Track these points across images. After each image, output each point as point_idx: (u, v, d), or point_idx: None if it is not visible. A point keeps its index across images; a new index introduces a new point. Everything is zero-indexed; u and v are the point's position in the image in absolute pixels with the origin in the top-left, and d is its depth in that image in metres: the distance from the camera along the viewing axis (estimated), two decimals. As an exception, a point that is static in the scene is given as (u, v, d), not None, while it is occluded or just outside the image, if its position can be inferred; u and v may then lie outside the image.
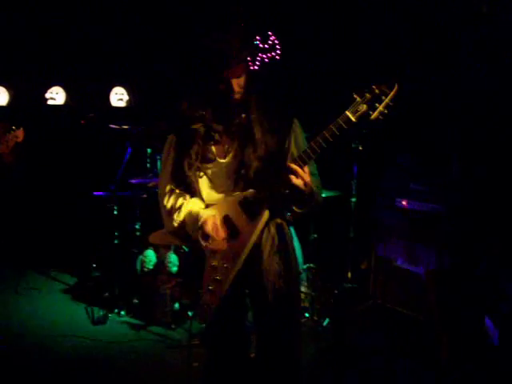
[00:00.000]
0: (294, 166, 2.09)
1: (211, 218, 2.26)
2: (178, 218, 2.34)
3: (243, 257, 2.22)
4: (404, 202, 4.43)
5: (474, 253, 3.73)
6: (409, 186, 4.41)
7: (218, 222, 2.26)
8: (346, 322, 4.36)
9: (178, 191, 2.40)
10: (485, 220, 3.82)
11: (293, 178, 2.09)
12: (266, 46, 5.80)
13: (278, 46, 5.83)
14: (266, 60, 5.75)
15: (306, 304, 4.40)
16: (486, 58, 4.40)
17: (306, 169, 2.12)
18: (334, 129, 2.08)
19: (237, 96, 2.27)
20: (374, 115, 2.09)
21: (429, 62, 4.80)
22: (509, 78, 4.17)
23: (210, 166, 2.35)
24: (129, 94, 6.42)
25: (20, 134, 3.64)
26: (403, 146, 4.87)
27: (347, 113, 2.09)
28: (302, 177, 2.10)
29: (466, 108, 4.54)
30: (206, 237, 2.25)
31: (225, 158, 2.33)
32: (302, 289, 4.46)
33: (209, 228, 2.24)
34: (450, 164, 4.25)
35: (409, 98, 4.87)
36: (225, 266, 2.25)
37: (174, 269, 4.33)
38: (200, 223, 2.26)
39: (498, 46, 4.29)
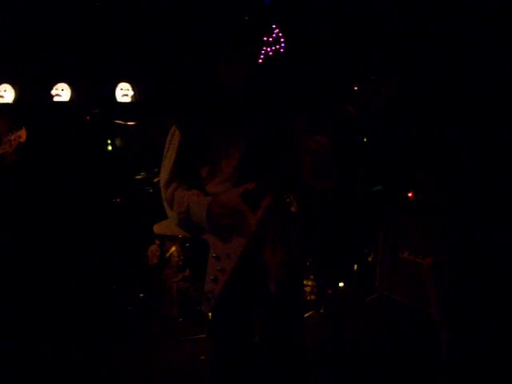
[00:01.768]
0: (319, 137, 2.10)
1: (214, 199, 2.27)
2: (182, 208, 2.33)
3: (245, 247, 2.23)
4: (410, 194, 4.42)
5: (481, 244, 3.71)
6: (414, 177, 4.40)
7: (222, 200, 2.26)
8: (352, 314, 4.36)
9: (177, 183, 2.40)
10: (493, 211, 3.81)
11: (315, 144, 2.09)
12: (270, 39, 5.79)
13: (282, 40, 5.82)
14: (270, 53, 5.75)
15: (313, 297, 4.40)
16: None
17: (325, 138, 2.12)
18: (333, 122, 2.08)
19: (238, 83, 2.27)
20: (374, 108, 2.08)
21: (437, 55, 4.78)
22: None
23: (213, 157, 2.34)
24: (134, 90, 6.43)
25: (23, 133, 3.62)
26: (409, 137, 4.86)
27: (347, 106, 2.07)
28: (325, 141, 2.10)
29: (474, 99, 4.51)
30: (218, 216, 2.24)
31: (228, 150, 2.33)
32: (309, 282, 4.46)
33: (216, 208, 2.23)
34: (458, 154, 4.23)
35: (416, 89, 4.87)
36: (227, 255, 2.25)
37: (181, 263, 4.34)
38: (207, 206, 2.25)
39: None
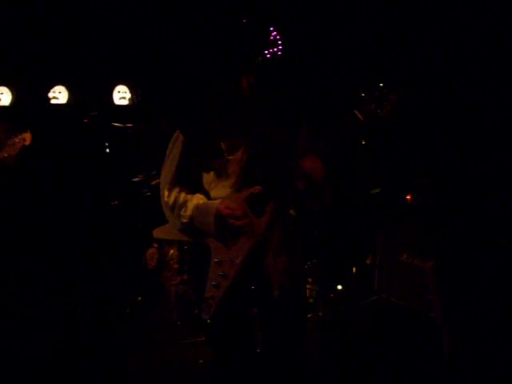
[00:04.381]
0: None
1: (222, 202, 2.25)
2: (185, 213, 2.30)
3: (248, 252, 2.21)
4: (408, 197, 4.42)
5: (479, 245, 3.72)
6: (413, 181, 4.40)
7: (229, 203, 2.25)
8: (351, 317, 4.35)
9: (180, 188, 2.38)
10: (489, 212, 3.81)
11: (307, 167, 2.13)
12: (267, 41, 5.78)
13: (279, 42, 5.81)
14: (268, 56, 5.74)
15: (311, 300, 4.39)
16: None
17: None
18: (344, 127, 2.08)
19: (246, 92, 2.26)
20: (383, 114, 2.08)
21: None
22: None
23: (217, 161, 2.31)
24: (131, 92, 6.42)
25: (27, 137, 3.61)
26: (406, 141, 4.86)
27: (356, 112, 2.08)
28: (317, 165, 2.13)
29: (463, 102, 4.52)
30: (224, 223, 2.22)
31: (233, 155, 2.30)
32: (307, 285, 4.46)
33: (224, 210, 2.21)
34: (453, 158, 4.24)
35: (411, 94, 4.87)
36: (230, 260, 2.24)
37: (179, 266, 4.33)
38: (214, 211, 2.23)
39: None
